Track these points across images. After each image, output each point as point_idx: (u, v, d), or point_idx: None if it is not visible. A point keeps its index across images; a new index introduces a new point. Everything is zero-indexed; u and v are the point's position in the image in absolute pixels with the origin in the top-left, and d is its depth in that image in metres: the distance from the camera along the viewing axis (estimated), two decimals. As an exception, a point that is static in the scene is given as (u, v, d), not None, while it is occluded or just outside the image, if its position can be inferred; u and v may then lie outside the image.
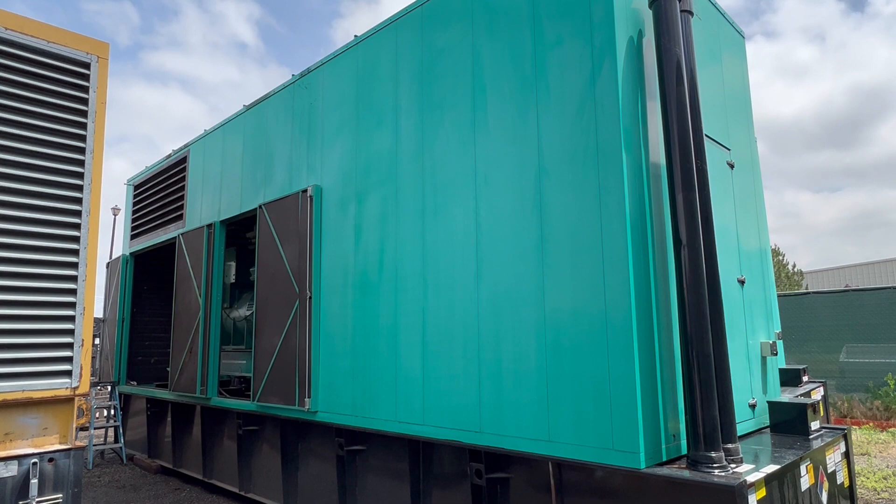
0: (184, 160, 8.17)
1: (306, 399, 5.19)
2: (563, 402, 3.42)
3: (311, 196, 5.48)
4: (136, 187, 9.57)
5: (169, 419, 7.87)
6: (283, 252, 5.73)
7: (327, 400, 5.11)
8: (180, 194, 8.11)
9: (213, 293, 6.94)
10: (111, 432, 10.02)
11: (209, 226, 7.10)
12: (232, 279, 8.71)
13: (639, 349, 3.16)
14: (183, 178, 8.12)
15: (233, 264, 9.07)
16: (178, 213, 8.08)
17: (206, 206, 7.43)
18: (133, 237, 9.44)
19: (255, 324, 6.03)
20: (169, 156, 8.61)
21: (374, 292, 4.77)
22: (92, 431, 8.67)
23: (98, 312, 15.90)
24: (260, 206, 6.16)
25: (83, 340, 4.32)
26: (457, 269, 4.14)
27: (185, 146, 8.16)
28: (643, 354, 3.19)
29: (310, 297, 5.33)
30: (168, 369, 7.73)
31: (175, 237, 7.88)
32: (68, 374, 4.24)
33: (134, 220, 9.46)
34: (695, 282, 3.23)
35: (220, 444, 6.92)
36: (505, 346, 3.78)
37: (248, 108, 6.82)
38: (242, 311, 8.22)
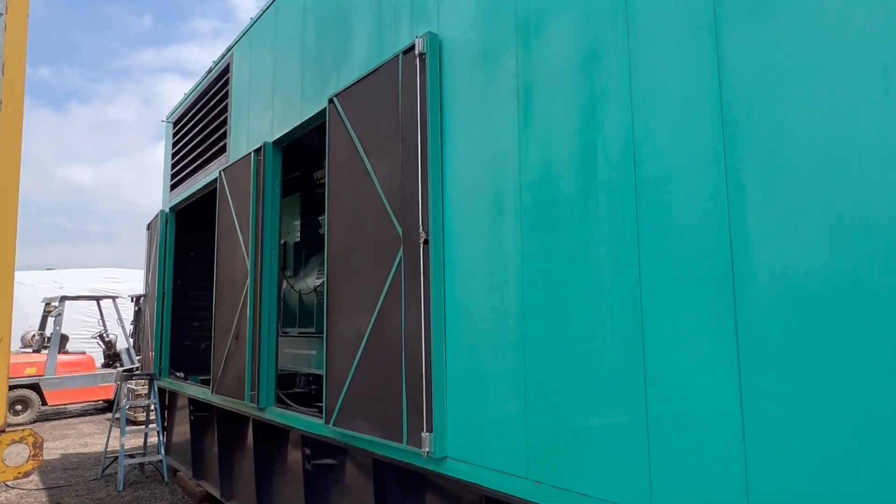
0: (226, 70, 5.86)
1: (424, 434, 2.73)
2: None
3: (421, 55, 2.96)
4: (175, 123, 7.41)
5: (215, 430, 5.68)
6: (372, 168, 3.27)
7: (467, 438, 2.63)
8: (223, 117, 5.82)
9: (264, 251, 4.60)
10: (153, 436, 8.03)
11: (257, 150, 4.75)
12: (297, 237, 6.40)
13: None
14: (225, 96, 5.82)
15: (298, 219, 6.76)
16: (221, 143, 5.80)
17: (254, 126, 5.09)
18: (173, 187, 7.30)
19: (325, 295, 3.63)
20: (209, 70, 6.34)
21: (578, 220, 2.21)
22: (123, 440, 6.63)
23: (139, 288, 14.23)
24: (330, 101, 3.71)
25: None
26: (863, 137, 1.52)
27: (228, 49, 5.84)
28: None
29: (425, 242, 2.83)
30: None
31: (217, 177, 5.61)
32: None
33: (174, 166, 7.31)
34: None
35: (280, 475, 4.63)
36: None
37: (310, -42, 4.35)
38: (311, 281, 5.89)
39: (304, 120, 4.24)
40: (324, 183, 5.69)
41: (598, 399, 2.09)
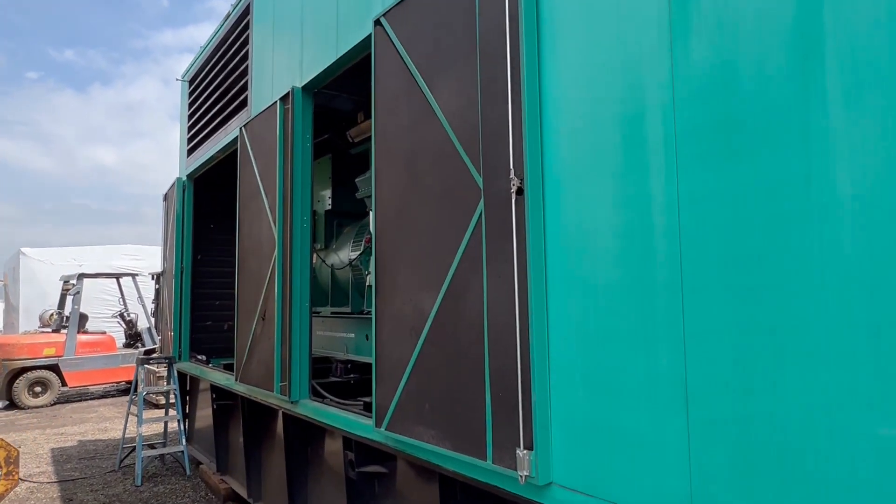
0: (245, 12, 5.12)
1: (521, 452, 2.00)
2: None
3: (510, -64, 2.17)
4: (191, 82, 6.71)
5: (241, 421, 5.05)
6: (436, 100, 2.51)
7: (583, 461, 1.90)
8: (243, 66, 5.10)
9: (294, 217, 3.90)
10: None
11: (283, 98, 4.02)
12: (328, 205, 5.69)
13: None
14: (246, 42, 5.09)
15: (328, 185, 6.05)
16: (242, 95, 5.08)
17: (279, 72, 4.35)
18: (190, 152, 6.63)
19: (374, 267, 2.90)
20: (227, 16, 5.60)
21: (785, 143, 1.43)
22: (140, 430, 6.05)
23: (156, 264, 13.72)
24: (376, 22, 2.95)
25: None
26: None
27: (247, -12, 5.09)
28: None
29: (518, 192, 2.08)
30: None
31: (237, 135, 4.90)
32: None
33: (190, 129, 6.64)
34: None
35: (317, 480, 3.98)
36: None
37: None
38: (345, 254, 5.19)
39: (340, 55, 3.49)
40: (359, 141, 4.96)
41: (823, 421, 1.34)
